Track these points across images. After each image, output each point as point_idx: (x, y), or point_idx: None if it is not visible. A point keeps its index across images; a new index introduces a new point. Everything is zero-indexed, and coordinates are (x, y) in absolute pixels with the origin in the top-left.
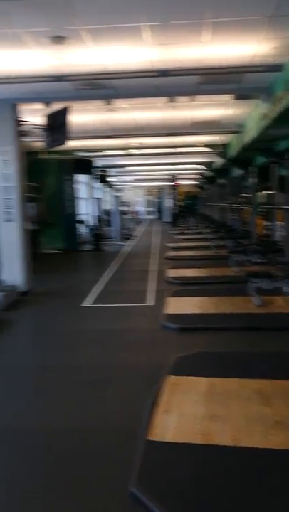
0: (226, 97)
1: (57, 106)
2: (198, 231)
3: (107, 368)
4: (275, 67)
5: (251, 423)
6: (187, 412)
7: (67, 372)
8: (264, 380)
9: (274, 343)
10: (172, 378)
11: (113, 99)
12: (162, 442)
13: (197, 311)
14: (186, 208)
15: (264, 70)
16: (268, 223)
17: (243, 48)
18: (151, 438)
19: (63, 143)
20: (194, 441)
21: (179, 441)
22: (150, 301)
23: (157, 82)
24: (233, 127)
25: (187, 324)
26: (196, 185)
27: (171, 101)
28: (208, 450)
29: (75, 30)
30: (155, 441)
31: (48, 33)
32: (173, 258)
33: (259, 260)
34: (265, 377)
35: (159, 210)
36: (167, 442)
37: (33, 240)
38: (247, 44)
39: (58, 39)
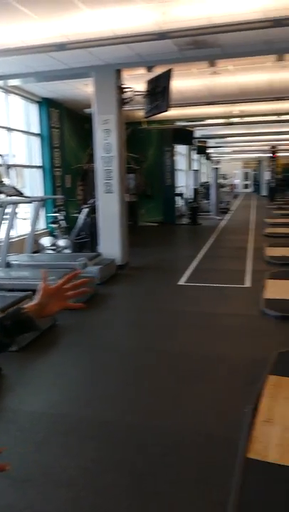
0: None
1: (159, 71)
2: None
3: (200, 358)
4: None
5: None
6: None
7: (157, 360)
8: None
9: None
10: (273, 378)
11: (218, 60)
12: (264, 462)
13: None
14: (285, 182)
15: None
16: None
17: None
18: (252, 456)
19: (165, 110)
20: None
21: (285, 463)
22: (248, 282)
23: (269, 37)
24: None
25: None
26: None
27: (281, 59)
28: None
29: None
30: (256, 459)
31: None
32: (271, 235)
33: None
34: None
35: (257, 183)
36: (270, 463)
37: (131, 212)
38: None
39: None
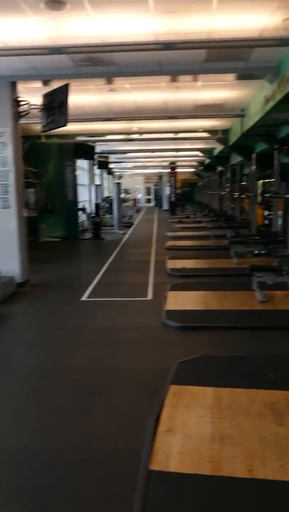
0: (231, 78)
1: (56, 85)
2: (196, 220)
3: (102, 373)
4: (287, 41)
5: (265, 448)
6: (192, 432)
7: (60, 377)
8: (277, 392)
9: (282, 344)
10: (174, 388)
11: (114, 78)
12: (166, 472)
13: (199, 307)
14: (184, 196)
15: (275, 44)
16: (268, 213)
17: (253, 19)
18: (154, 467)
19: (64, 124)
20: (202, 472)
21: (185, 471)
22: (150, 294)
23: (161, 58)
24: (236, 111)
25: (189, 322)
26: (194, 172)
27: (175, 81)
28: (219, 483)
29: None
30: (158, 470)
31: None
32: (172, 248)
33: (260, 251)
34: (277, 388)
35: (158, 197)
36: (171, 473)
37: (32, 227)
38: (258, 14)
39: (56, 4)
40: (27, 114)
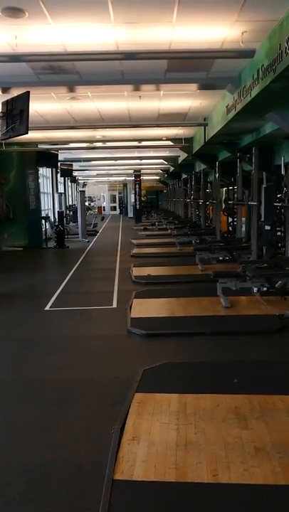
0: (193, 87)
1: (16, 92)
2: (162, 227)
3: (68, 382)
4: (246, 53)
5: (230, 452)
6: (157, 439)
7: (23, 388)
8: (239, 396)
9: (246, 349)
10: (139, 396)
11: (76, 86)
12: (130, 481)
13: (164, 314)
14: (149, 204)
15: (235, 56)
16: (232, 219)
17: (213, 31)
18: (118, 477)
19: (25, 132)
20: (167, 479)
21: (150, 479)
22: (115, 302)
23: (122, 68)
24: (199, 120)
25: (154, 330)
26: (159, 180)
27: (137, 89)
28: (184, 489)
29: (31, 0)
30: (122, 480)
31: (2, 3)
32: (137, 255)
33: (224, 258)
34: (240, 392)
35: (123, 205)
36: (136, 481)
37: None
38: (218, 26)
39: (14, 11)
40: None
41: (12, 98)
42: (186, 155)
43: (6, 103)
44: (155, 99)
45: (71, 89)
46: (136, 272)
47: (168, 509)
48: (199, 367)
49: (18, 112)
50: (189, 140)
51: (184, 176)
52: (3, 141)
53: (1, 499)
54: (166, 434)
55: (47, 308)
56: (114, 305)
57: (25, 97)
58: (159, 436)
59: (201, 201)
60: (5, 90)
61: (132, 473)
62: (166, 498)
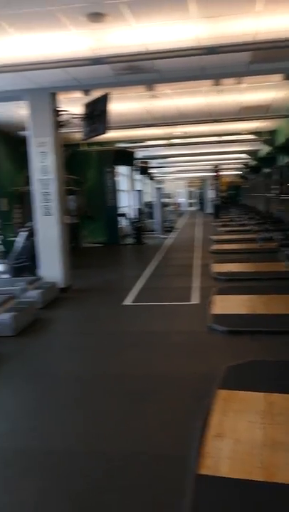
0: (277, 78)
1: (96, 94)
2: (241, 223)
3: (147, 378)
4: None
5: None
6: (243, 437)
7: (105, 382)
8: None
9: None
10: (223, 393)
11: (155, 85)
12: (216, 477)
13: (246, 311)
14: (228, 199)
15: None
16: None
17: None
18: (203, 471)
19: (103, 132)
20: (254, 478)
21: (236, 476)
22: (195, 299)
23: (203, 63)
24: (284, 111)
25: (236, 327)
26: (239, 175)
27: (217, 84)
28: (273, 490)
29: (114, 4)
30: (207, 475)
31: (85, 10)
32: (217, 252)
33: None
34: None
35: (201, 201)
36: (222, 477)
37: (73, 234)
38: None
39: (96, 16)
40: (68, 123)
41: (93, 100)
42: (267, 148)
43: (87, 105)
44: (236, 92)
45: (150, 88)
46: (216, 268)
47: (257, 508)
48: (285, 366)
49: (98, 113)
50: (272, 133)
51: (266, 170)
52: (83, 142)
53: (84, 486)
54: (252, 432)
55: (127, 303)
56: (194, 301)
57: (104, 99)
58: (245, 434)
59: (283, 196)
60: (86, 92)
61: (218, 469)
62: (254, 497)
